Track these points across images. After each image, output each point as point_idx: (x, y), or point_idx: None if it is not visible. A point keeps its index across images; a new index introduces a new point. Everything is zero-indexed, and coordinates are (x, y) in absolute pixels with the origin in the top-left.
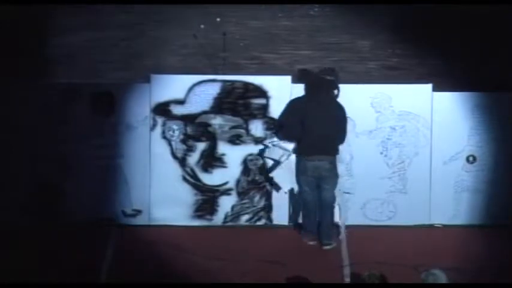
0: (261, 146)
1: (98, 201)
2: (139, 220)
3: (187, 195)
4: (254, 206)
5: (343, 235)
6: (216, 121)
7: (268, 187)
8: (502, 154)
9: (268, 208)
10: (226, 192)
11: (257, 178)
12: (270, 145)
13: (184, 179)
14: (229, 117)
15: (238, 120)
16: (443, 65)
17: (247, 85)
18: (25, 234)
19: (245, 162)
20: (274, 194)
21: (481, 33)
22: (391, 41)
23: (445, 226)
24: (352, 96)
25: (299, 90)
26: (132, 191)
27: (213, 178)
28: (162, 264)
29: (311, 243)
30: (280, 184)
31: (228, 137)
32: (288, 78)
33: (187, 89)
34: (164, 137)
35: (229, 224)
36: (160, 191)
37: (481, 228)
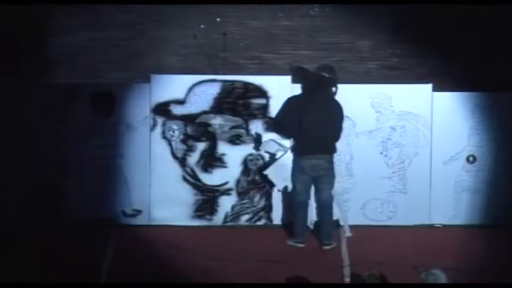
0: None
1: (98, 201)
2: (139, 220)
3: (187, 195)
4: (254, 206)
5: (348, 234)
6: (216, 121)
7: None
8: (502, 154)
9: (268, 208)
10: (226, 192)
11: (257, 178)
12: (267, 139)
13: (184, 179)
14: (229, 117)
15: (238, 120)
16: (443, 65)
17: (247, 85)
18: (25, 234)
19: (245, 162)
20: (274, 194)
21: (481, 33)
22: (391, 41)
23: (445, 226)
24: (352, 96)
25: (299, 90)
26: (132, 191)
27: (213, 178)
28: (162, 264)
29: (300, 246)
30: (274, 182)
31: (228, 137)
32: (288, 78)
33: (187, 89)
34: (164, 137)
35: (229, 224)
36: (160, 191)
37: (481, 228)
